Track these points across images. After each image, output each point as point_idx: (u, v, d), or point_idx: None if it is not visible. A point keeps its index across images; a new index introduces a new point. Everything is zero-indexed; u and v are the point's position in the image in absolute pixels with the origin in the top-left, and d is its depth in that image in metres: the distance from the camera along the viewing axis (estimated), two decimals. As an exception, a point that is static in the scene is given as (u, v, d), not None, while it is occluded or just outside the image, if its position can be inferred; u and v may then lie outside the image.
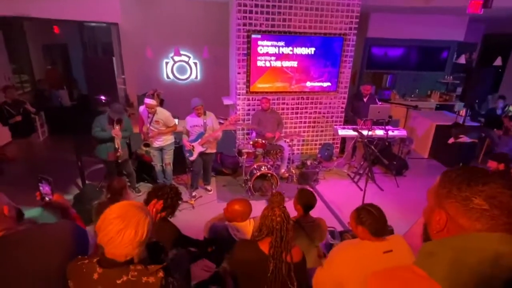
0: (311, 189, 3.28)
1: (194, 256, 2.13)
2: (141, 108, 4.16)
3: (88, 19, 5.71)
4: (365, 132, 4.76)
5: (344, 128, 5.15)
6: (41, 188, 1.54)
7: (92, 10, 5.42)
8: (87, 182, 4.51)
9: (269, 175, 4.44)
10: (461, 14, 7.01)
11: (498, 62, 6.95)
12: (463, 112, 6.06)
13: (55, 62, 8.01)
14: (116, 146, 3.89)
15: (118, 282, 1.09)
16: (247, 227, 2.24)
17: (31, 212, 1.83)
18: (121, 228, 1.05)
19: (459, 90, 8.36)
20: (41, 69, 7.47)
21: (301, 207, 2.46)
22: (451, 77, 8.16)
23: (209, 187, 4.65)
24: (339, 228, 3.77)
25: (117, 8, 5.52)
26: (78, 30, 7.61)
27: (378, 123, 5.07)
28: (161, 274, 1.11)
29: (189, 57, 6.81)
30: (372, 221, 1.61)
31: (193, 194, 4.47)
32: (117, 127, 3.83)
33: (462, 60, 7.36)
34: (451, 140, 5.63)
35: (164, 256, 1.35)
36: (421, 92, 8.30)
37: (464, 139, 5.57)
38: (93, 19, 5.74)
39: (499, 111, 6.04)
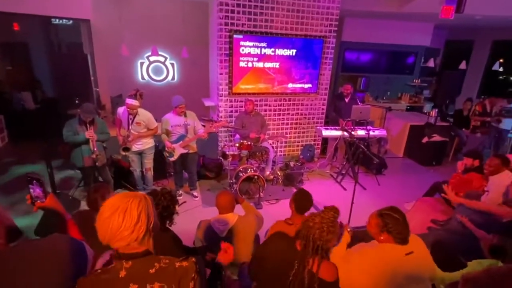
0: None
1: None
2: (121, 109, 3.89)
3: (55, 14, 5.29)
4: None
5: (327, 129, 5.20)
6: (31, 190, 1.32)
7: (60, 5, 5.02)
8: (58, 191, 4.13)
9: (255, 177, 4.35)
10: (429, 20, 7.44)
11: (462, 66, 7.44)
12: (433, 112, 6.40)
13: (17, 62, 7.33)
14: (92, 149, 3.59)
15: (151, 271, 1.02)
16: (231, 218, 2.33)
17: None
18: (108, 215, 1.02)
19: (425, 92, 8.89)
20: (0, 69, 6.82)
21: (294, 208, 2.38)
22: (419, 80, 8.62)
23: (195, 193, 4.45)
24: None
25: (88, 4, 5.17)
26: (44, 26, 7.02)
27: (359, 123, 5.19)
28: (193, 259, 1.08)
29: (165, 58, 6.57)
30: (400, 230, 1.54)
31: (179, 192, 4.39)
32: (90, 129, 3.55)
33: (431, 64, 7.80)
34: (425, 139, 5.91)
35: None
36: (392, 94, 8.68)
37: (436, 138, 5.87)
38: (60, 14, 5.32)
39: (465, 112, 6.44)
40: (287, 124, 5.91)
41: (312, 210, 4.45)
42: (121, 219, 1.00)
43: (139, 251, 1.06)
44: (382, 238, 1.60)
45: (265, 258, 1.55)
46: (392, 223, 1.57)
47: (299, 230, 1.50)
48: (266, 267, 1.54)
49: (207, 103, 5.91)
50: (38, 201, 1.34)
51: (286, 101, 5.72)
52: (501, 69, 7.97)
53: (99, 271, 1.07)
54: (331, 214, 1.43)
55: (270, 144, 5.17)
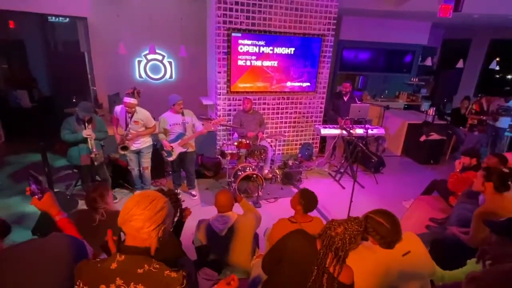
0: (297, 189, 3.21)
1: (195, 264, 1.96)
2: (118, 108, 3.86)
3: (51, 12, 5.23)
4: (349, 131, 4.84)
5: (326, 128, 5.20)
6: (31, 183, 1.42)
7: (57, 3, 4.97)
8: (55, 190, 4.10)
9: (254, 176, 4.34)
10: (427, 19, 7.45)
11: (460, 64, 7.46)
12: (430, 111, 6.41)
13: (13, 60, 7.24)
14: (90, 148, 3.56)
15: (139, 271, 1.03)
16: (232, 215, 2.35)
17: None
18: (139, 198, 1.10)
19: (423, 91, 8.90)
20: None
21: (301, 208, 2.38)
22: (416, 78, 8.64)
23: (194, 192, 4.43)
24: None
25: (85, 1, 5.13)
26: (40, 24, 6.92)
27: (357, 122, 5.19)
28: (183, 272, 1.08)
29: (163, 56, 6.53)
30: (384, 235, 1.47)
31: (177, 191, 4.27)
32: (88, 127, 3.52)
33: (429, 62, 7.81)
34: (422, 138, 5.93)
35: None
36: (390, 93, 8.70)
37: (434, 136, 5.89)
38: (57, 12, 5.26)
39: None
40: (285, 122, 5.90)
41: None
42: (148, 203, 1.09)
43: (141, 245, 1.08)
44: (370, 240, 1.58)
45: (284, 254, 1.52)
46: (374, 228, 1.52)
47: (320, 234, 1.47)
48: (283, 264, 1.52)
49: (205, 101, 5.89)
50: (35, 196, 1.40)
51: (284, 99, 5.72)
52: (497, 68, 8.00)
53: (98, 259, 1.10)
54: (356, 228, 1.38)
55: (269, 142, 5.16)
